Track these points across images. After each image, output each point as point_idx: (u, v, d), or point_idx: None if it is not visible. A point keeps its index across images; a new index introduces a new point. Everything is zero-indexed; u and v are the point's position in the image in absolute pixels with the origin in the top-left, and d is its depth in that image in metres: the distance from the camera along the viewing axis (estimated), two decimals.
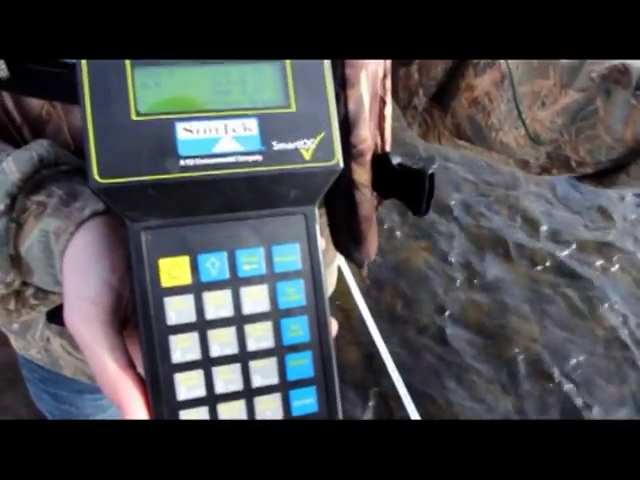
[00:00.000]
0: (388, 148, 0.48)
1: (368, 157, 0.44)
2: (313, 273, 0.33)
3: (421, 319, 2.14)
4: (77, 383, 0.70)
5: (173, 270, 0.31)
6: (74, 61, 0.36)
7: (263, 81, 0.32)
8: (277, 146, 0.31)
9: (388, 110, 0.47)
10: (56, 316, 0.48)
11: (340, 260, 0.66)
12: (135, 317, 0.31)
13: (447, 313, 2.16)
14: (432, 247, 2.39)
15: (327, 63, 0.33)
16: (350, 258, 0.50)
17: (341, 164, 0.33)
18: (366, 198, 0.45)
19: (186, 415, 0.31)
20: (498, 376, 1.99)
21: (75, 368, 0.66)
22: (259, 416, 0.32)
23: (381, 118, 0.46)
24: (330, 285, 0.76)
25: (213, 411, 0.31)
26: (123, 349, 0.31)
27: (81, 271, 0.33)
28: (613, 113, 0.48)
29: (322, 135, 0.32)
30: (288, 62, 0.32)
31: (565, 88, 0.51)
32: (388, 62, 0.46)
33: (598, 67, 0.50)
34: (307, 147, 0.32)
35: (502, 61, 0.52)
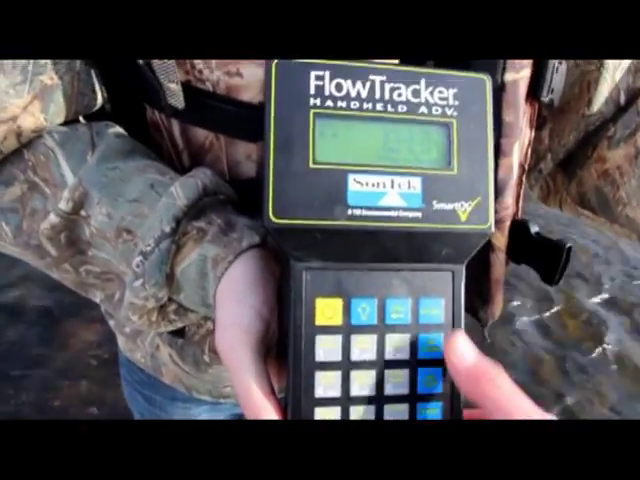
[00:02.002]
0: (520, 213, 0.49)
1: (507, 223, 0.45)
2: (453, 328, 0.34)
3: None
4: (172, 390, 0.73)
5: (327, 310, 0.33)
6: (253, 102, 0.39)
7: (430, 142, 0.33)
8: (436, 205, 0.33)
9: (524, 176, 0.48)
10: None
11: None
12: (283, 349, 0.33)
13: None
14: None
15: (490, 131, 0.34)
16: (475, 316, 0.51)
17: (492, 228, 0.34)
18: (500, 261, 0.46)
19: None
20: None
21: (174, 376, 0.69)
22: None
23: (519, 185, 0.47)
24: None
25: None
26: (267, 377, 0.33)
27: (236, 299, 0.35)
28: None
29: (479, 199, 0.33)
30: (455, 126, 0.34)
31: None
32: (533, 131, 0.47)
33: None
34: (464, 209, 0.33)
35: (638, 137, 0.52)
